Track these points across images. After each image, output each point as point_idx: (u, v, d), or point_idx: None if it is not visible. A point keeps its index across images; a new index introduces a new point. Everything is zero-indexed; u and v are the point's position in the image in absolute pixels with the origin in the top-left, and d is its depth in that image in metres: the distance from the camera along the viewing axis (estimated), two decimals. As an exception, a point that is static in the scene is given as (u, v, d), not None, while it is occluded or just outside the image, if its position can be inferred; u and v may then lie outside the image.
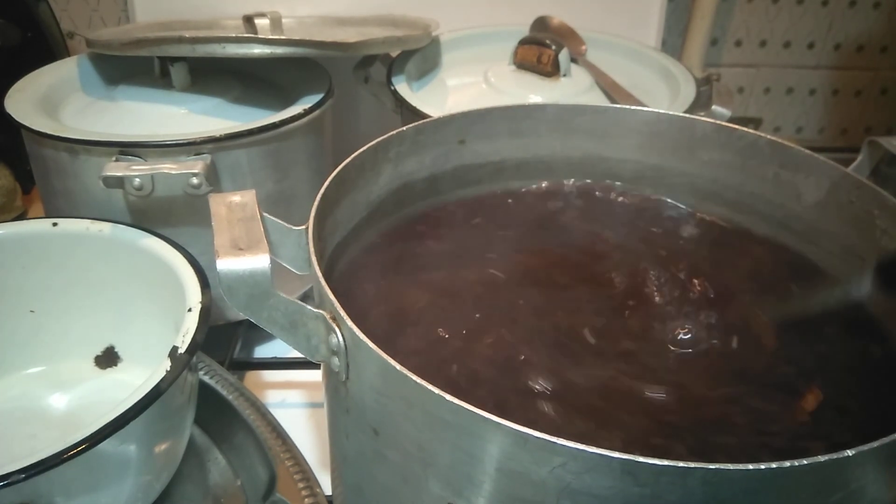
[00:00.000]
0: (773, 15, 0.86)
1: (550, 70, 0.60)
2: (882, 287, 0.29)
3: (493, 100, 0.58)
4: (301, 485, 0.42)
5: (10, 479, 0.30)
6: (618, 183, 0.45)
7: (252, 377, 0.56)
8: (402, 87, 0.57)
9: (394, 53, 0.61)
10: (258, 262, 0.29)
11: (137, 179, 0.44)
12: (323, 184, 0.35)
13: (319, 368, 0.34)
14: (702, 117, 0.43)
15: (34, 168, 0.53)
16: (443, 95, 0.61)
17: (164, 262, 0.43)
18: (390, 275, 0.39)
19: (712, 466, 0.21)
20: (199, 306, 0.39)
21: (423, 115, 0.52)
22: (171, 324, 0.41)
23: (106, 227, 0.45)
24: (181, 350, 0.36)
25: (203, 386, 0.46)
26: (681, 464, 0.21)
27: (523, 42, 0.62)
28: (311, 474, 0.43)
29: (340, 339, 0.28)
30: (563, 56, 0.60)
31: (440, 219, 0.44)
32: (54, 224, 0.46)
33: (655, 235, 0.43)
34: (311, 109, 0.52)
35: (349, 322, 0.27)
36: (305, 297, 0.55)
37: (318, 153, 0.56)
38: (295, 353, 0.36)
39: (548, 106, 0.44)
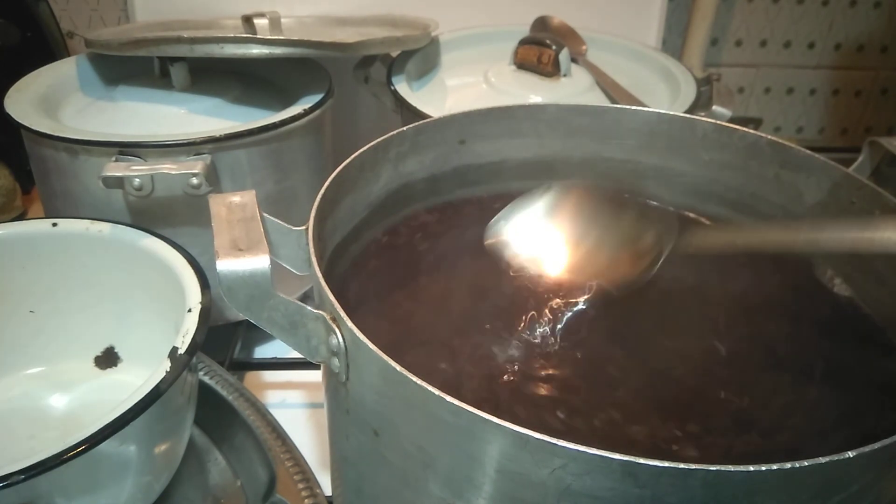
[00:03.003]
0: (773, 15, 0.86)
1: (551, 70, 0.60)
2: None
3: (493, 100, 0.58)
4: (301, 485, 0.42)
5: (10, 479, 0.30)
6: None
7: (252, 377, 0.56)
8: (402, 87, 0.57)
9: (393, 53, 0.61)
10: (258, 262, 0.29)
11: (137, 179, 0.44)
12: (323, 184, 0.35)
13: (319, 369, 0.34)
14: (702, 117, 0.43)
15: (34, 168, 0.53)
16: (443, 95, 0.61)
17: (164, 262, 0.43)
18: (390, 275, 0.39)
19: (713, 468, 0.21)
20: (199, 307, 0.39)
21: (423, 115, 0.52)
22: (171, 324, 0.41)
23: (106, 228, 0.45)
24: (181, 351, 0.36)
25: (203, 386, 0.46)
26: (681, 465, 0.21)
27: (523, 42, 0.62)
28: (311, 475, 0.43)
29: (340, 339, 0.28)
30: (564, 56, 0.60)
31: (440, 219, 0.44)
32: (54, 224, 0.46)
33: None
34: (311, 109, 0.52)
35: (349, 323, 0.27)
36: (305, 298, 0.55)
37: (318, 153, 0.56)
38: (295, 354, 0.36)
39: (548, 106, 0.44)
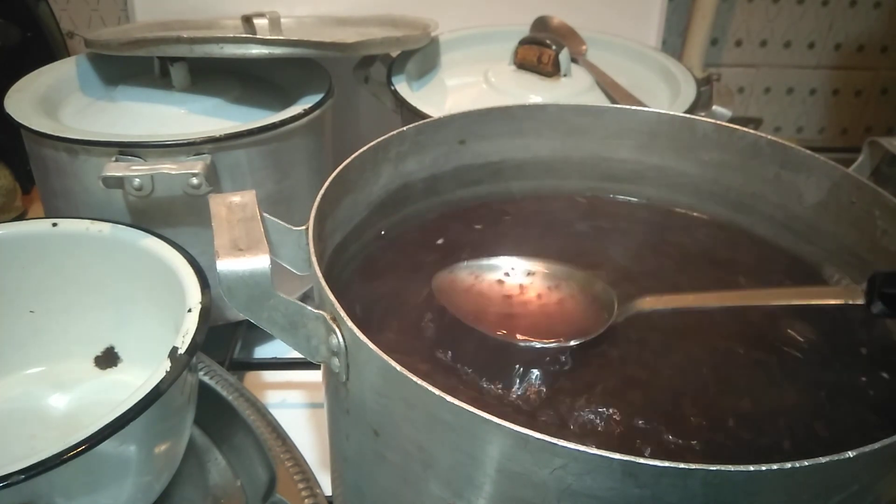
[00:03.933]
0: (773, 15, 0.86)
1: (551, 70, 0.60)
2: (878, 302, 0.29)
3: (493, 100, 0.58)
4: (301, 485, 0.42)
5: (10, 479, 0.30)
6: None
7: (252, 377, 0.56)
8: (402, 87, 0.57)
9: (393, 53, 0.61)
10: (258, 262, 0.29)
11: (137, 180, 0.44)
12: (323, 184, 0.35)
13: (319, 369, 0.34)
14: (702, 117, 0.43)
15: (34, 168, 0.53)
16: (443, 95, 0.61)
17: (164, 262, 0.43)
18: (391, 275, 0.39)
19: (713, 468, 0.21)
20: (199, 307, 0.39)
21: (423, 115, 0.52)
22: (171, 324, 0.41)
23: (106, 228, 0.45)
24: (181, 350, 0.36)
25: (203, 386, 0.46)
26: (682, 465, 0.21)
27: (524, 42, 0.62)
28: (311, 475, 0.43)
29: (340, 339, 0.28)
30: (564, 56, 0.60)
31: (440, 219, 0.44)
32: (54, 224, 0.46)
33: (655, 238, 0.43)
34: (311, 109, 0.52)
35: (349, 323, 0.27)
36: (305, 298, 0.55)
37: (318, 153, 0.56)
38: (295, 354, 0.36)
39: (548, 106, 0.44)
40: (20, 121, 0.49)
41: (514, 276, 0.37)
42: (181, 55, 0.51)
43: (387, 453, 0.28)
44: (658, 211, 0.45)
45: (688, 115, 0.43)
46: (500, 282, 0.36)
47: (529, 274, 0.37)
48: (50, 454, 0.31)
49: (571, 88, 0.59)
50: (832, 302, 0.31)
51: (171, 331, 0.40)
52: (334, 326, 0.28)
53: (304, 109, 0.52)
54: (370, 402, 0.28)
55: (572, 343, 0.33)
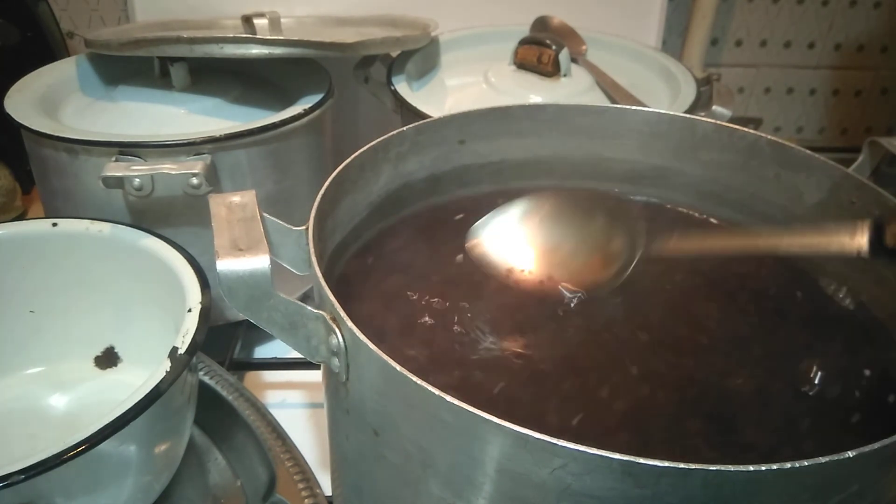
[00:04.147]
0: (773, 15, 0.86)
1: (551, 70, 0.60)
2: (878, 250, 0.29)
3: (493, 100, 0.58)
4: (301, 485, 0.42)
5: (10, 479, 0.30)
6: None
7: (252, 377, 0.56)
8: (402, 87, 0.57)
9: (393, 53, 0.61)
10: (258, 262, 0.29)
11: (137, 180, 0.44)
12: (323, 184, 0.35)
13: (319, 369, 0.34)
14: (702, 117, 0.43)
15: (34, 168, 0.53)
16: (443, 95, 0.61)
17: (164, 262, 0.43)
18: (390, 275, 0.39)
19: (713, 468, 0.21)
20: (199, 307, 0.39)
21: (423, 115, 0.52)
22: (171, 324, 0.41)
23: (106, 228, 0.45)
24: (181, 350, 0.36)
25: (203, 386, 0.46)
26: (681, 465, 0.21)
27: (523, 42, 0.62)
28: (311, 475, 0.43)
29: (340, 339, 0.28)
30: (564, 56, 0.60)
31: (441, 219, 0.43)
32: (54, 224, 0.46)
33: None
34: (311, 109, 0.52)
35: (349, 323, 0.27)
36: (305, 298, 0.55)
37: (318, 153, 0.56)
38: (295, 354, 0.36)
39: (548, 106, 0.44)
40: (20, 121, 0.49)
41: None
42: (181, 55, 0.51)
43: (387, 453, 0.28)
44: (657, 210, 0.45)
45: (688, 115, 0.43)
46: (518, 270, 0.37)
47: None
48: (50, 454, 0.31)
49: (571, 88, 0.59)
50: (834, 249, 0.30)
51: (171, 331, 0.40)
52: (334, 326, 0.28)
53: (304, 109, 0.52)
54: (370, 402, 0.28)
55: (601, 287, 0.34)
